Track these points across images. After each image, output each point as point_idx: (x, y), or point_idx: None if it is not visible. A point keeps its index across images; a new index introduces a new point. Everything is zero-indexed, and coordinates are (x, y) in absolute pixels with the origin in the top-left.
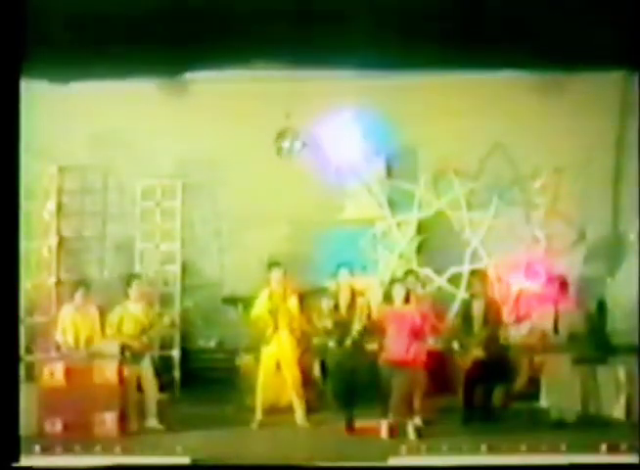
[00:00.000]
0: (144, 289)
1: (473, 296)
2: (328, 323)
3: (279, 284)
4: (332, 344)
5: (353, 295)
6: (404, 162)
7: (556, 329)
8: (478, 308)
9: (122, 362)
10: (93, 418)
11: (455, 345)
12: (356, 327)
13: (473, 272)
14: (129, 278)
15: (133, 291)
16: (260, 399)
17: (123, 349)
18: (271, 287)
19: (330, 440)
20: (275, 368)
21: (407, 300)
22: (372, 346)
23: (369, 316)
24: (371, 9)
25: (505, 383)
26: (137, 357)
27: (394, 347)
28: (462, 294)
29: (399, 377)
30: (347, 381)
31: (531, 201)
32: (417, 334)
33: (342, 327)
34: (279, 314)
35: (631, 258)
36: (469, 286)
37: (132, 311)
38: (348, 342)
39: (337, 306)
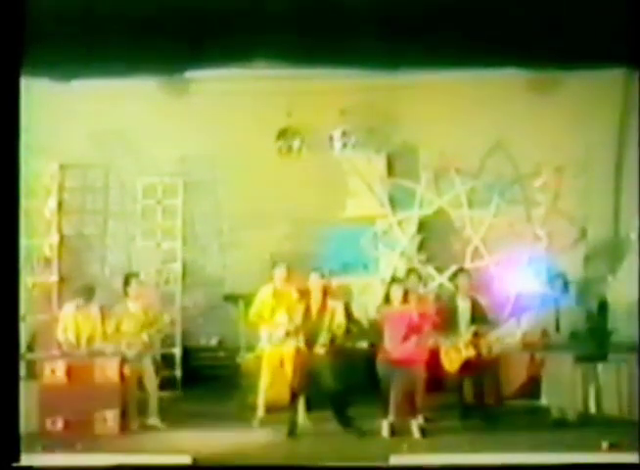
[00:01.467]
0: (143, 287)
1: (460, 295)
2: (299, 326)
3: (283, 282)
4: (302, 346)
5: (325, 298)
6: (405, 160)
7: (557, 327)
8: (464, 308)
9: (123, 361)
10: (94, 416)
11: (447, 343)
12: (327, 332)
13: (459, 271)
14: (128, 277)
15: (132, 289)
16: (263, 398)
17: (124, 347)
18: (275, 285)
19: (331, 438)
20: (279, 366)
21: (405, 299)
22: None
23: (349, 318)
24: (372, 8)
25: (496, 382)
26: (138, 356)
27: (392, 346)
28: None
29: (399, 376)
30: (320, 385)
31: (532, 199)
32: (415, 333)
33: (311, 330)
34: (282, 312)
35: (632, 257)
36: (455, 286)
37: (132, 310)
38: (318, 346)
39: (308, 310)
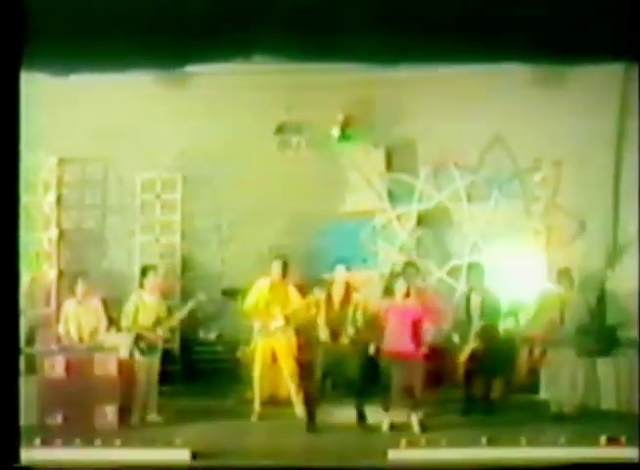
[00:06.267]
0: (159, 280)
1: (471, 289)
2: (321, 317)
3: (280, 276)
4: (325, 338)
5: (348, 290)
6: (404, 154)
7: (555, 322)
8: (475, 301)
9: (132, 353)
10: (93, 411)
11: (455, 337)
12: (350, 324)
13: (470, 266)
14: (145, 268)
15: (149, 281)
16: (258, 391)
17: (138, 339)
18: (272, 278)
19: (329, 432)
20: (271, 360)
21: (408, 294)
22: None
23: (365, 313)
24: (371, 2)
25: (504, 375)
26: (151, 349)
27: (396, 340)
28: (462, 286)
29: (401, 370)
30: (344, 376)
31: (531, 193)
32: (418, 327)
33: (334, 322)
34: (278, 306)
35: (632, 251)
36: (467, 279)
37: (147, 302)
38: (343, 338)
39: (330, 301)
